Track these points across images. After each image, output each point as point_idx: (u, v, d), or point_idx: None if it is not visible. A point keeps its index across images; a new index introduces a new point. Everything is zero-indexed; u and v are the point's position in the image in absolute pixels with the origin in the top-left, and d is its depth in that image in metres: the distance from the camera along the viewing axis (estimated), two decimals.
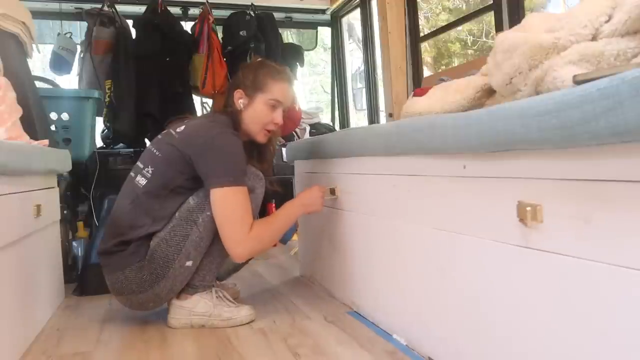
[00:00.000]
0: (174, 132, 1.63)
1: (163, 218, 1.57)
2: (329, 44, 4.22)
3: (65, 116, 2.42)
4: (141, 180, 1.60)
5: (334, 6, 3.68)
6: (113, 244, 1.57)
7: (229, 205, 1.52)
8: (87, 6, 3.12)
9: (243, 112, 1.68)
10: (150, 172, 1.59)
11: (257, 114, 1.67)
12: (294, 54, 3.59)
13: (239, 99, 1.68)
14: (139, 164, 1.65)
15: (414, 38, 3.00)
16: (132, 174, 1.65)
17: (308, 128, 3.58)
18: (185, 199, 1.58)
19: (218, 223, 1.54)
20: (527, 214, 0.89)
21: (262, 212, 1.76)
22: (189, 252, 1.56)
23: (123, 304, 1.66)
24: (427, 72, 5.66)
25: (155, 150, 1.63)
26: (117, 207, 1.63)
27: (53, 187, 1.95)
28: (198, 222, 1.56)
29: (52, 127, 2.37)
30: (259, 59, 1.80)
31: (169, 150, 1.59)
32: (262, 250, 1.68)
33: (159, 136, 1.68)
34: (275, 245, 2.93)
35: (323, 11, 3.79)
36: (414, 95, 1.64)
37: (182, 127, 1.63)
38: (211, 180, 1.53)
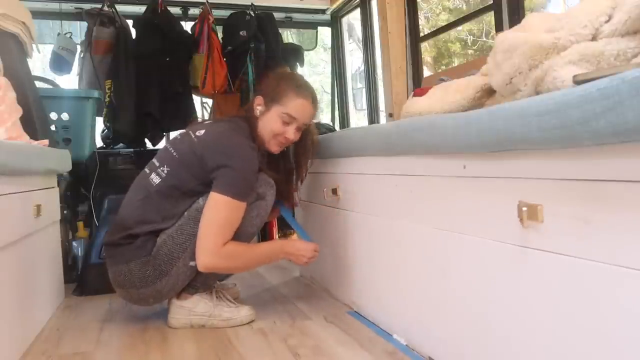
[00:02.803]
0: (193, 136, 1.62)
1: (172, 217, 1.58)
2: (329, 44, 4.21)
3: (65, 116, 2.42)
4: (155, 179, 1.60)
5: (334, 6, 3.68)
6: (120, 237, 1.58)
7: (220, 213, 1.52)
8: (87, 6, 3.11)
9: (259, 119, 1.67)
10: (165, 171, 1.60)
11: (269, 124, 1.65)
12: (294, 54, 3.59)
13: (257, 106, 1.68)
14: (154, 161, 1.65)
15: (414, 38, 2.99)
16: (146, 170, 1.65)
17: None
18: (195, 200, 1.59)
19: (200, 224, 1.53)
20: (527, 213, 0.89)
21: None
22: (194, 251, 1.56)
23: (123, 298, 1.66)
24: (427, 72, 5.66)
25: (172, 151, 1.63)
26: (128, 201, 1.64)
27: (53, 187, 1.95)
28: None
29: (52, 127, 2.37)
30: (287, 70, 1.78)
31: (186, 153, 1.59)
32: (228, 270, 1.68)
33: (178, 136, 1.68)
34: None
35: (323, 11, 3.78)
36: (414, 95, 1.64)
37: (203, 132, 1.62)
38: (218, 186, 1.53)
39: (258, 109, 1.68)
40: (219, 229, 1.52)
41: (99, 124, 2.95)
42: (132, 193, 1.65)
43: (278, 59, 3.30)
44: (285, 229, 3.19)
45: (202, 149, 1.57)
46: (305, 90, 1.66)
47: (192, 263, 1.57)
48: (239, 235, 1.59)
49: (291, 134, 1.65)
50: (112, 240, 1.60)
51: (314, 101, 1.68)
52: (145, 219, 1.57)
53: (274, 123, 1.64)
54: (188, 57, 3.19)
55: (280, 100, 1.63)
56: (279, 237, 3.14)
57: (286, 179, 1.81)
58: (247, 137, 1.63)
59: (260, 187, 1.62)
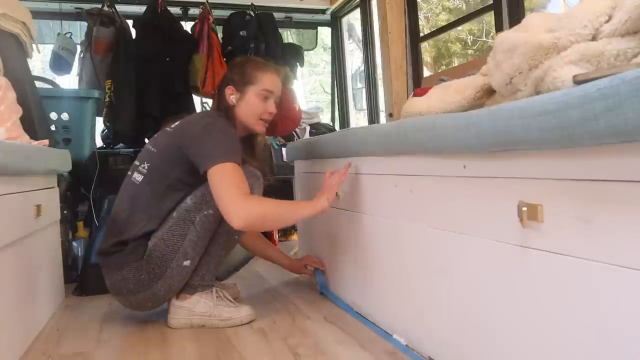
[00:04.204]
0: (168, 129, 1.66)
1: (159, 216, 1.57)
2: (329, 44, 4.22)
3: (65, 116, 2.42)
4: (137, 177, 1.61)
5: (334, 6, 3.68)
6: (111, 244, 1.58)
7: (222, 179, 1.48)
8: (87, 6, 3.12)
9: (236, 107, 1.69)
10: (146, 167, 1.61)
11: (250, 106, 1.68)
12: (294, 54, 3.59)
13: (231, 95, 1.70)
14: (135, 162, 1.67)
15: (414, 38, 2.99)
16: (129, 172, 1.67)
17: (308, 128, 3.58)
18: (181, 197, 1.58)
19: (215, 197, 1.49)
20: (527, 213, 0.89)
21: None
22: (187, 251, 1.57)
23: (122, 304, 1.66)
24: (427, 72, 5.66)
25: (151, 147, 1.66)
26: (115, 206, 1.65)
27: (53, 187, 1.95)
28: (195, 222, 1.56)
29: (52, 127, 2.37)
30: (245, 56, 1.82)
31: (163, 145, 1.62)
32: (261, 224, 1.57)
33: (155, 135, 1.71)
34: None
35: (323, 11, 3.79)
36: (414, 95, 1.64)
37: (177, 123, 1.67)
38: (205, 161, 1.51)
39: (232, 97, 1.69)
40: (229, 186, 1.47)
41: (99, 124, 2.95)
42: (118, 198, 1.66)
43: (278, 59, 3.30)
44: (285, 228, 3.19)
45: (178, 134, 1.61)
46: (269, 65, 1.75)
47: (185, 263, 1.58)
48: (232, 231, 1.58)
49: (272, 107, 1.72)
50: (104, 248, 1.60)
51: (278, 73, 1.76)
52: (132, 220, 1.57)
53: (254, 103, 1.68)
54: (188, 57, 3.20)
55: (252, 81, 1.68)
56: (278, 236, 3.14)
57: (263, 164, 1.81)
58: (223, 119, 1.65)
59: (247, 179, 1.61)
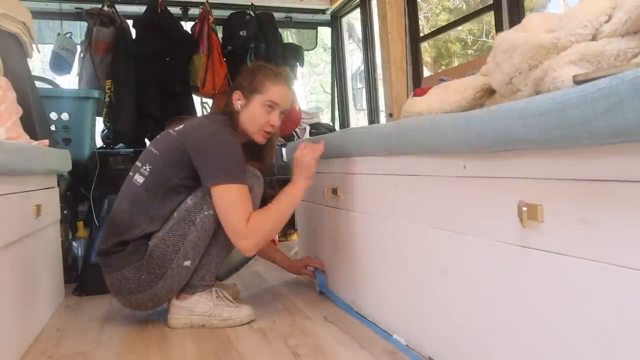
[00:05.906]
0: (172, 132, 1.64)
1: (160, 217, 1.57)
2: (329, 44, 4.22)
3: (65, 116, 2.42)
4: (139, 179, 1.61)
5: (334, 6, 3.68)
6: (112, 245, 1.58)
7: (225, 201, 1.52)
8: (87, 6, 3.12)
9: (240, 113, 1.69)
10: (147, 170, 1.60)
11: (253, 115, 1.68)
12: (294, 54, 3.59)
13: (237, 100, 1.70)
14: (137, 163, 1.66)
15: (414, 38, 3.00)
16: (130, 173, 1.66)
17: (308, 128, 3.58)
18: (183, 199, 1.58)
19: (220, 218, 1.55)
20: (527, 213, 0.89)
21: None
22: (187, 252, 1.56)
23: (122, 304, 1.66)
24: (427, 72, 5.66)
25: (153, 149, 1.64)
26: (116, 206, 1.64)
27: (53, 187, 1.95)
28: (196, 222, 1.56)
29: (52, 127, 2.37)
30: (260, 62, 1.81)
31: (167, 148, 1.61)
32: (268, 236, 1.62)
33: (158, 136, 1.69)
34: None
35: (323, 11, 3.79)
36: (414, 95, 1.64)
37: (181, 126, 1.65)
38: (208, 177, 1.53)
39: (238, 103, 1.70)
40: (234, 213, 1.52)
41: (99, 124, 2.95)
42: (119, 198, 1.65)
43: (278, 59, 3.30)
44: (285, 229, 3.18)
45: (182, 139, 1.59)
46: (281, 77, 1.72)
47: (186, 263, 1.58)
48: None
49: (275, 120, 1.70)
50: (105, 248, 1.60)
51: (290, 86, 1.74)
52: (133, 222, 1.57)
53: (258, 112, 1.68)
54: (188, 57, 3.20)
55: (259, 90, 1.68)
56: (278, 236, 3.14)
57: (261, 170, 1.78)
58: (226, 126, 1.64)
59: (248, 180, 1.61)
